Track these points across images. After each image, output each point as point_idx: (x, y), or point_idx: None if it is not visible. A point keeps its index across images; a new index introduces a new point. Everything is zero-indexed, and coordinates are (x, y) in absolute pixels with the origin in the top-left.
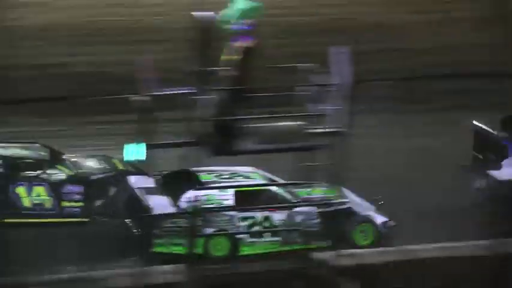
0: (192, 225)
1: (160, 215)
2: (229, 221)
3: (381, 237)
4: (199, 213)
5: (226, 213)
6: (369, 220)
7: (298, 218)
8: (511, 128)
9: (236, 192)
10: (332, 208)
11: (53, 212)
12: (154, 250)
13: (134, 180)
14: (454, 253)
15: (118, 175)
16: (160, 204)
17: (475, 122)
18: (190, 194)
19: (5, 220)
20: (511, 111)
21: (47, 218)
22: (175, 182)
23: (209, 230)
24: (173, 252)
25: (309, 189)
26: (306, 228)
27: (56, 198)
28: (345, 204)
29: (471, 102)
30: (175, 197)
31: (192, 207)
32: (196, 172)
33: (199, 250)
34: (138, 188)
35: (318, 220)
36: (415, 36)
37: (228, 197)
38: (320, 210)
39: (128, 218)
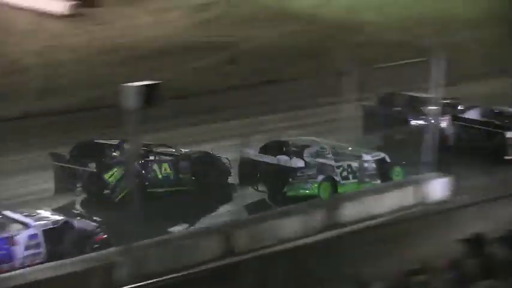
0: (313, 174)
1: (290, 167)
2: (331, 169)
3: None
4: (316, 165)
5: (329, 163)
6: (399, 164)
7: (365, 165)
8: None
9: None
10: (378, 157)
11: (174, 182)
12: (288, 194)
13: (248, 149)
14: None
15: (205, 153)
16: (286, 160)
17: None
18: (308, 151)
19: (148, 190)
20: None
21: (171, 187)
22: (277, 148)
23: (321, 177)
24: (301, 194)
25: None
26: (369, 171)
27: (176, 172)
28: (381, 155)
29: None
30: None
31: (311, 161)
32: (288, 140)
33: (315, 192)
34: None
35: (374, 166)
36: None
37: (328, 154)
38: (374, 159)
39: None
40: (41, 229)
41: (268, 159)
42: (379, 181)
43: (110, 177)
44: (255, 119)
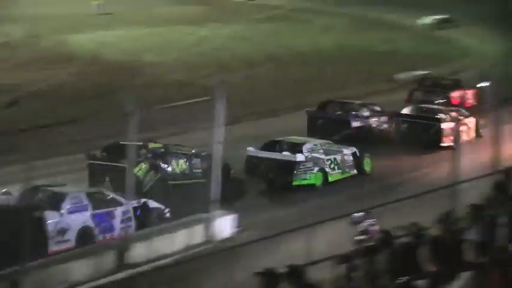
0: (310, 166)
1: (295, 161)
2: (322, 162)
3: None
4: (312, 158)
5: (321, 156)
6: (368, 156)
7: (345, 158)
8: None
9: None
10: (353, 151)
11: (189, 175)
12: (293, 183)
13: (253, 148)
14: None
15: (209, 154)
16: (291, 155)
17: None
18: (305, 147)
19: (168, 182)
20: None
21: (187, 180)
22: (275, 146)
23: (316, 168)
24: (303, 184)
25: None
26: (348, 163)
27: (190, 167)
28: (354, 149)
29: None
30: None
31: (308, 155)
32: (283, 139)
33: (312, 181)
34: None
35: (351, 158)
36: None
37: (320, 149)
38: (350, 152)
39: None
40: (131, 206)
41: (274, 155)
42: (355, 171)
43: (138, 172)
44: (36, 162)
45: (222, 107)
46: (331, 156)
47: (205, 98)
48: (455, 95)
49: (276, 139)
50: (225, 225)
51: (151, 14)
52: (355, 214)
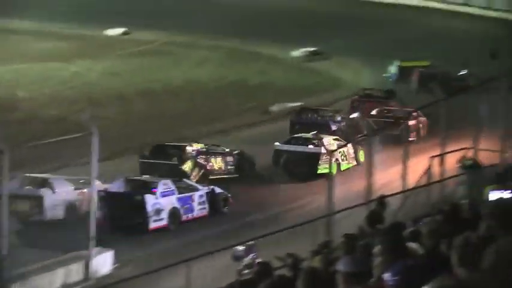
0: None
1: (320, 153)
2: (337, 153)
3: None
4: (332, 152)
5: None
6: (361, 149)
7: (349, 150)
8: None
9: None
10: (351, 145)
11: (225, 171)
12: (317, 172)
13: (279, 143)
14: None
15: (241, 151)
16: (316, 148)
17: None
18: (325, 142)
19: (209, 177)
20: None
21: (223, 175)
22: (297, 140)
23: (333, 159)
24: (323, 172)
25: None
26: (351, 155)
27: (225, 164)
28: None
29: None
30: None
31: (329, 148)
32: (304, 135)
33: (330, 170)
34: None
35: (353, 151)
36: None
37: (334, 144)
38: (350, 146)
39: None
40: (205, 191)
41: (302, 148)
42: (355, 162)
43: (186, 168)
44: None
45: (96, 143)
46: (341, 149)
47: (80, 134)
48: (392, 104)
49: (294, 136)
50: (104, 261)
51: (24, 50)
52: (237, 248)
